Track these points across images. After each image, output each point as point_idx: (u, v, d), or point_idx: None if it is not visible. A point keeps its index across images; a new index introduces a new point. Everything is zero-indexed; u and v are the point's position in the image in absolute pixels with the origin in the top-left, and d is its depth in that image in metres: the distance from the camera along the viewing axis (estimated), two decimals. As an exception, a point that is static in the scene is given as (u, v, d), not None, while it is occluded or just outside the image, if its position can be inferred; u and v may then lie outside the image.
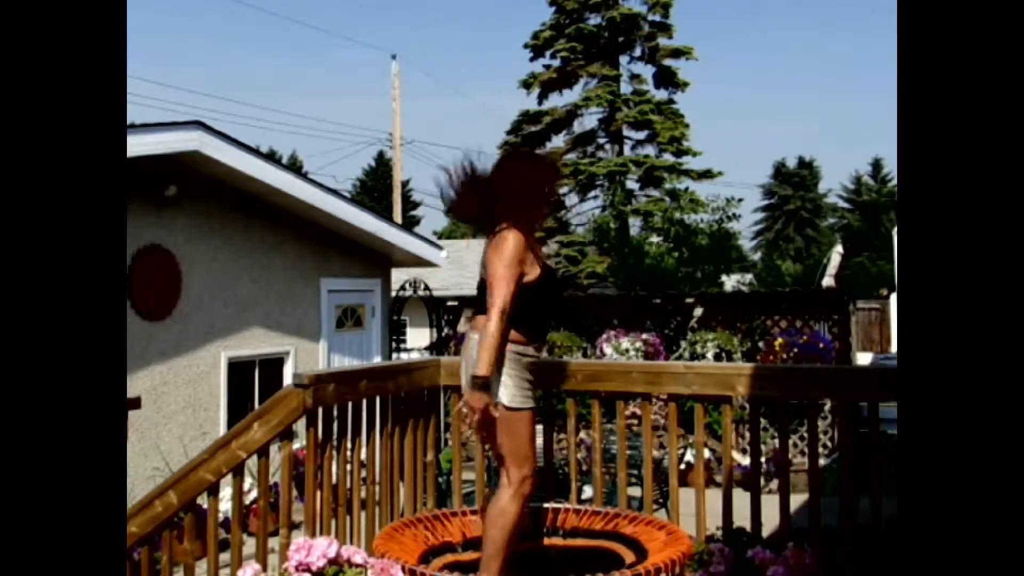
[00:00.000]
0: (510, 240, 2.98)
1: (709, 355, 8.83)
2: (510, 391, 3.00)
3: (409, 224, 36.67)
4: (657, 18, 21.68)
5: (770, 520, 3.31)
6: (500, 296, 2.92)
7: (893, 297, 18.99)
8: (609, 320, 9.58)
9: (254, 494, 5.96)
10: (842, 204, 49.24)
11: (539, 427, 4.02)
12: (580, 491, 3.88)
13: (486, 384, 2.92)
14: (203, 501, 3.43)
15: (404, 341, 12.06)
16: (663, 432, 7.58)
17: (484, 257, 3.07)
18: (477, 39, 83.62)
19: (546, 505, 3.56)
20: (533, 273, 3.04)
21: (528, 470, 3.04)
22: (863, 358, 13.75)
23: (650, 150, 21.67)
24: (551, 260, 3.21)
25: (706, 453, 4.04)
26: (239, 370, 7.48)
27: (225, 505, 4.80)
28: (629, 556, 3.26)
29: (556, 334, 9.20)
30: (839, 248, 14.98)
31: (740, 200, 14.83)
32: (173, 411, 6.78)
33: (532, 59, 22.41)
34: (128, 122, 6.00)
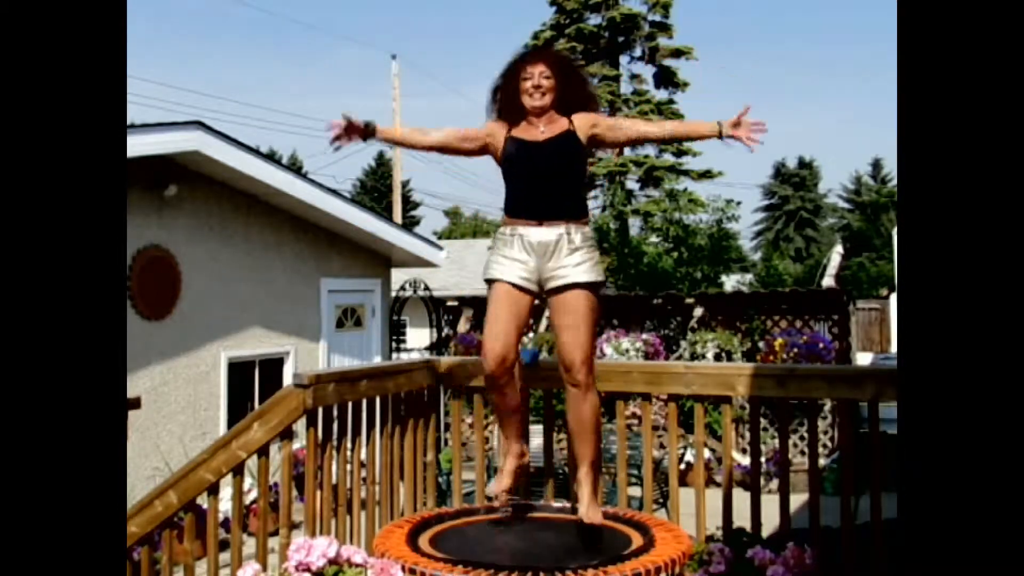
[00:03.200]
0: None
1: (709, 355, 8.83)
2: (485, 264, 3.07)
3: (409, 224, 36.68)
4: (657, 18, 21.68)
5: (770, 520, 3.31)
6: None
7: (893, 297, 18.99)
8: (609, 320, 9.59)
9: (254, 494, 5.96)
10: (842, 204, 49.27)
11: (539, 427, 4.03)
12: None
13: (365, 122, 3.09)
14: (203, 501, 3.43)
15: (404, 341, 12.06)
16: (663, 432, 7.59)
17: None
18: (477, 39, 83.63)
19: (545, 505, 3.55)
20: (497, 149, 3.06)
21: (487, 348, 2.97)
22: (863, 358, 13.75)
23: (650, 150, 21.67)
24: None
25: (706, 453, 4.04)
26: (239, 370, 7.48)
27: (225, 505, 4.80)
28: (636, 537, 3.20)
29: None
30: (839, 248, 14.99)
31: (739, 203, 14.82)
32: (173, 411, 6.78)
33: (532, 59, 22.38)
34: (128, 122, 6.00)
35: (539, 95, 2.98)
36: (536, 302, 3.08)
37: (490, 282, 3.02)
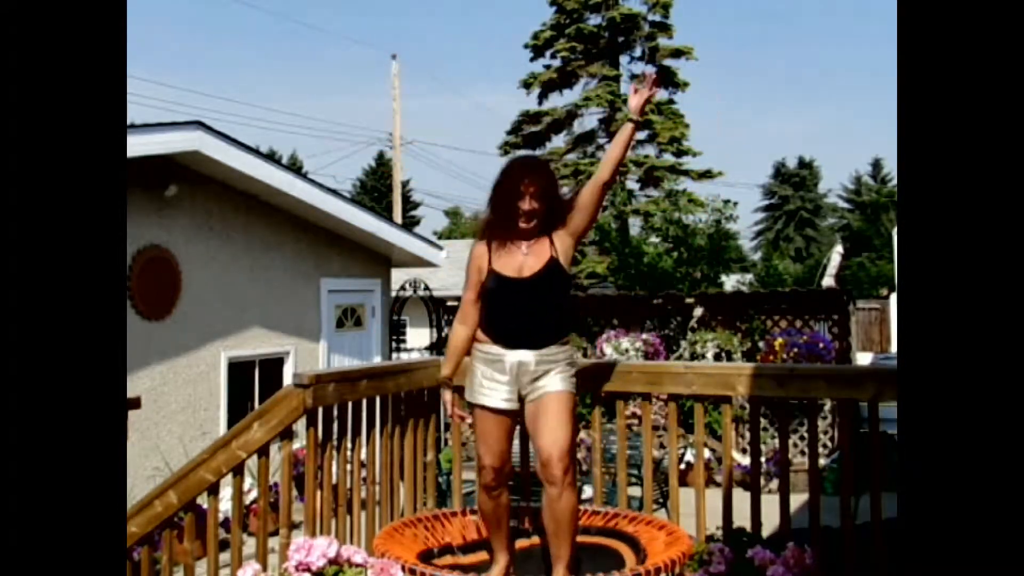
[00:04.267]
0: (470, 251, 3.25)
1: (709, 355, 8.83)
2: (468, 387, 3.21)
3: (409, 224, 36.68)
4: (657, 18, 21.71)
5: (770, 520, 3.31)
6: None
7: (893, 297, 18.99)
8: (609, 320, 9.59)
9: (254, 494, 5.96)
10: (842, 204, 49.28)
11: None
12: (580, 491, 3.88)
13: (446, 382, 3.29)
14: (203, 501, 3.43)
15: (404, 341, 12.06)
16: (663, 432, 7.59)
17: None
18: (478, 39, 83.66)
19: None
20: (485, 276, 3.16)
21: (482, 461, 3.17)
22: (863, 358, 13.75)
23: (650, 150, 21.69)
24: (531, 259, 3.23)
25: (706, 453, 4.04)
26: (239, 370, 7.48)
27: (225, 505, 4.80)
28: (629, 554, 3.26)
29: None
30: (839, 248, 14.99)
31: (736, 203, 14.83)
32: (173, 411, 6.78)
33: (532, 59, 22.43)
34: (128, 122, 6.00)
35: (528, 219, 3.09)
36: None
37: (476, 404, 3.18)
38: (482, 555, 3.36)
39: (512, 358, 3.09)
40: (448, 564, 3.26)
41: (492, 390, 3.12)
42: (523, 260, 3.11)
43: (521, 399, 3.13)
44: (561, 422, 3.04)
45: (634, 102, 3.18)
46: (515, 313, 3.13)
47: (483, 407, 3.14)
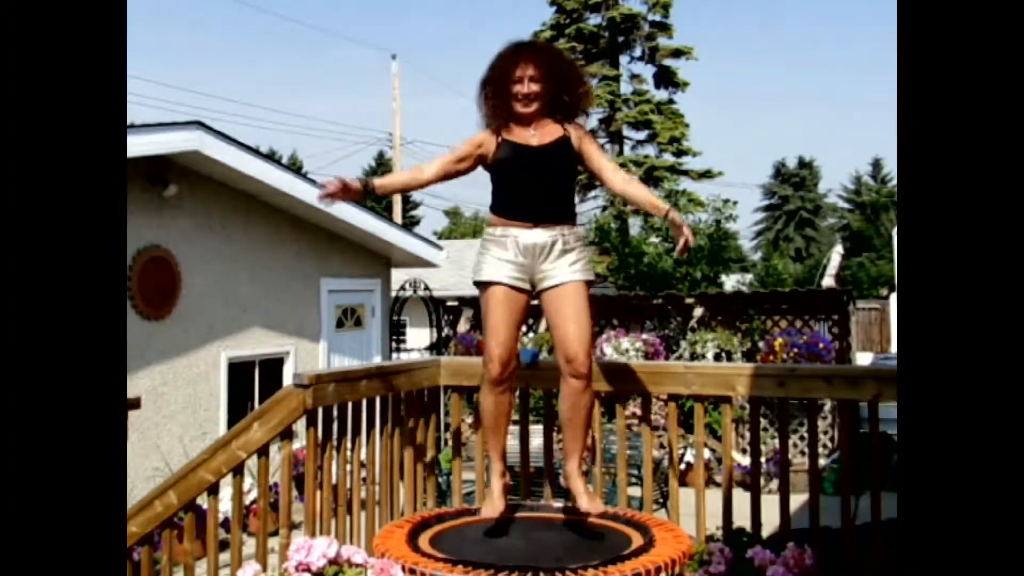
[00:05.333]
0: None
1: (709, 355, 8.83)
2: (476, 268, 3.04)
3: (409, 224, 36.67)
4: (657, 18, 21.71)
5: (770, 520, 3.31)
6: None
7: (893, 297, 18.99)
8: (609, 320, 9.59)
9: (254, 494, 5.96)
10: (842, 204, 49.29)
11: (539, 427, 4.03)
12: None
13: (358, 179, 3.06)
14: (203, 501, 3.43)
15: (404, 341, 12.07)
16: (663, 432, 7.59)
17: None
18: (477, 39, 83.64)
19: (546, 504, 3.55)
20: (490, 155, 3.03)
21: (489, 352, 2.98)
22: (863, 358, 13.75)
23: (650, 150, 21.69)
24: None
25: (706, 453, 4.04)
26: (239, 370, 7.48)
27: (225, 505, 4.80)
28: (636, 537, 3.20)
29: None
30: (839, 248, 14.99)
31: (736, 203, 14.84)
32: (173, 411, 6.78)
33: (532, 59, 22.39)
34: (128, 122, 6.00)
35: (527, 102, 2.97)
36: (532, 301, 3.08)
37: (483, 284, 3.01)
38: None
39: (526, 238, 2.94)
40: (438, 530, 3.10)
41: (501, 267, 2.96)
42: (531, 136, 3.00)
43: (532, 284, 2.99)
44: (584, 314, 2.92)
45: (673, 224, 2.93)
46: (530, 182, 2.99)
47: (492, 283, 2.96)
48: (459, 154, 3.07)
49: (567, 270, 2.95)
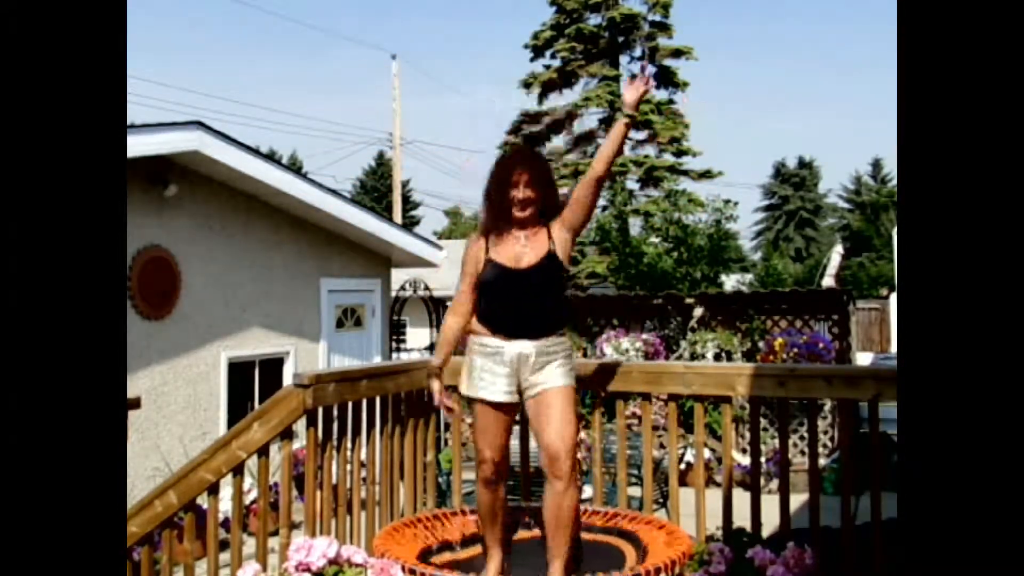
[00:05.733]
0: (467, 244, 3.26)
1: (709, 355, 8.83)
2: (465, 381, 3.18)
3: (409, 224, 36.68)
4: (657, 18, 21.68)
5: (770, 520, 3.31)
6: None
7: (893, 297, 18.99)
8: (609, 320, 9.59)
9: (254, 494, 5.96)
10: (842, 204, 49.27)
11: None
12: (580, 490, 3.88)
13: (435, 372, 3.24)
14: (203, 501, 3.43)
15: (404, 341, 12.07)
16: (663, 432, 7.58)
17: None
18: (477, 39, 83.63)
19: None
20: (481, 268, 3.17)
21: (482, 455, 3.15)
22: (863, 358, 13.74)
23: (650, 150, 21.66)
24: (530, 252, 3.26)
25: (706, 453, 4.04)
26: (239, 370, 7.47)
27: (225, 505, 4.80)
28: (630, 551, 3.26)
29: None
30: (839, 248, 14.99)
31: (736, 203, 14.82)
32: (173, 411, 6.78)
33: (532, 59, 22.41)
34: (128, 122, 6.00)
35: (523, 207, 3.10)
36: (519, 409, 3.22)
37: (476, 399, 3.15)
38: (480, 549, 3.36)
39: (512, 349, 3.08)
40: (447, 561, 3.26)
41: (492, 383, 3.10)
42: (521, 251, 3.12)
43: (520, 393, 3.12)
44: (565, 417, 3.04)
45: (628, 96, 3.19)
46: (514, 303, 3.12)
47: (483, 401, 3.12)
48: (472, 281, 3.21)
49: (551, 376, 3.08)
